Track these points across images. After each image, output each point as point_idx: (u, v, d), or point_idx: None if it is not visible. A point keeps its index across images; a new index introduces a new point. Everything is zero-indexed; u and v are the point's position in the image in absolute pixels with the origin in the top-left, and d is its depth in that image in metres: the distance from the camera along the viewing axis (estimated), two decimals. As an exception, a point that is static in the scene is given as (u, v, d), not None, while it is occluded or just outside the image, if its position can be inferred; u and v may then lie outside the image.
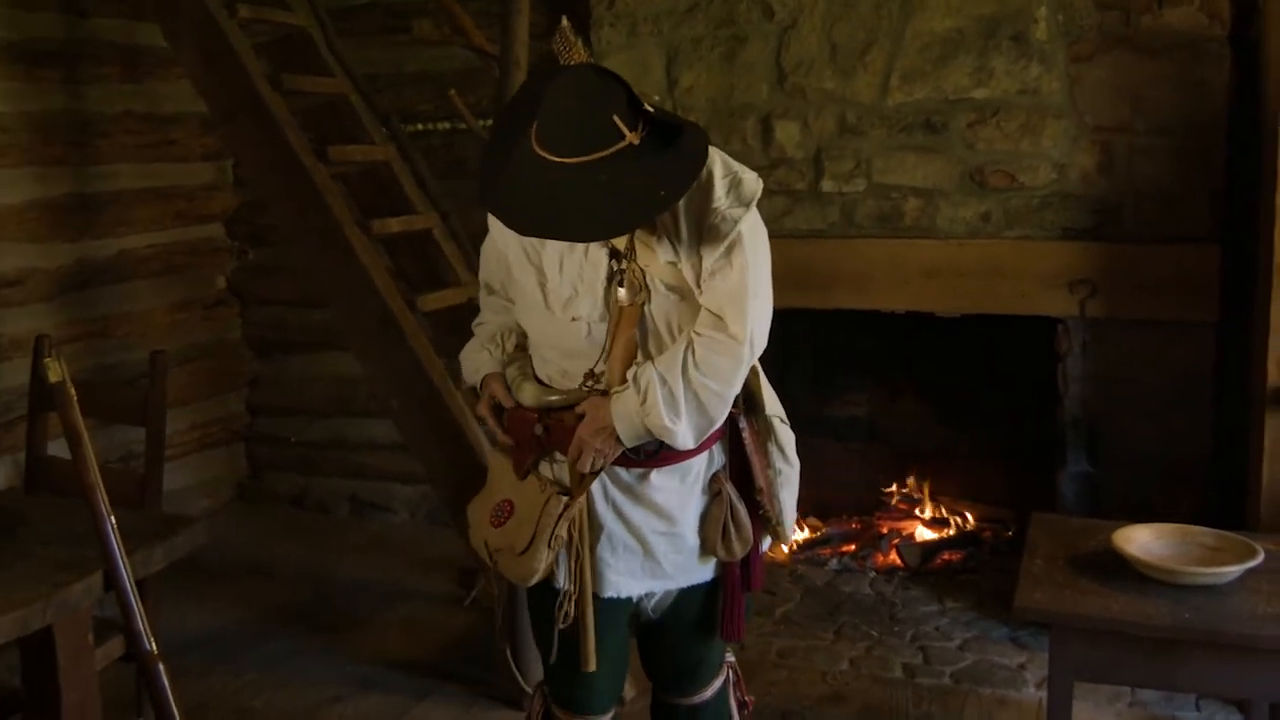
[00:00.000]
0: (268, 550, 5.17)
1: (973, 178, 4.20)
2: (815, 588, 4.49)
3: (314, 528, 5.52)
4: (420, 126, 5.17)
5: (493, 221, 2.39)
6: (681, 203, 2.13)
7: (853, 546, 4.75)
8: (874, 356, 4.92)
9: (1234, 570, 2.59)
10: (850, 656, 3.96)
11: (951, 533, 4.79)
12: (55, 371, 2.28)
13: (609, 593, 2.35)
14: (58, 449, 3.16)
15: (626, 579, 2.35)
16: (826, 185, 4.35)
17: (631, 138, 2.03)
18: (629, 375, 2.22)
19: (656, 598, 2.42)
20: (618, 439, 2.22)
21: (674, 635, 2.48)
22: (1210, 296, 3.94)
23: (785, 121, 4.39)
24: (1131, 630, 2.49)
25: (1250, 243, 3.78)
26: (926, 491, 4.92)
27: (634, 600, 2.40)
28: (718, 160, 2.19)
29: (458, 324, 4.34)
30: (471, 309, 4.17)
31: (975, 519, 4.85)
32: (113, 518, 2.27)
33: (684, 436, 2.20)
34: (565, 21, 2.15)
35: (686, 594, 2.41)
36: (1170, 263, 3.97)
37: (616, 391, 2.23)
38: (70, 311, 4.92)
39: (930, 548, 4.68)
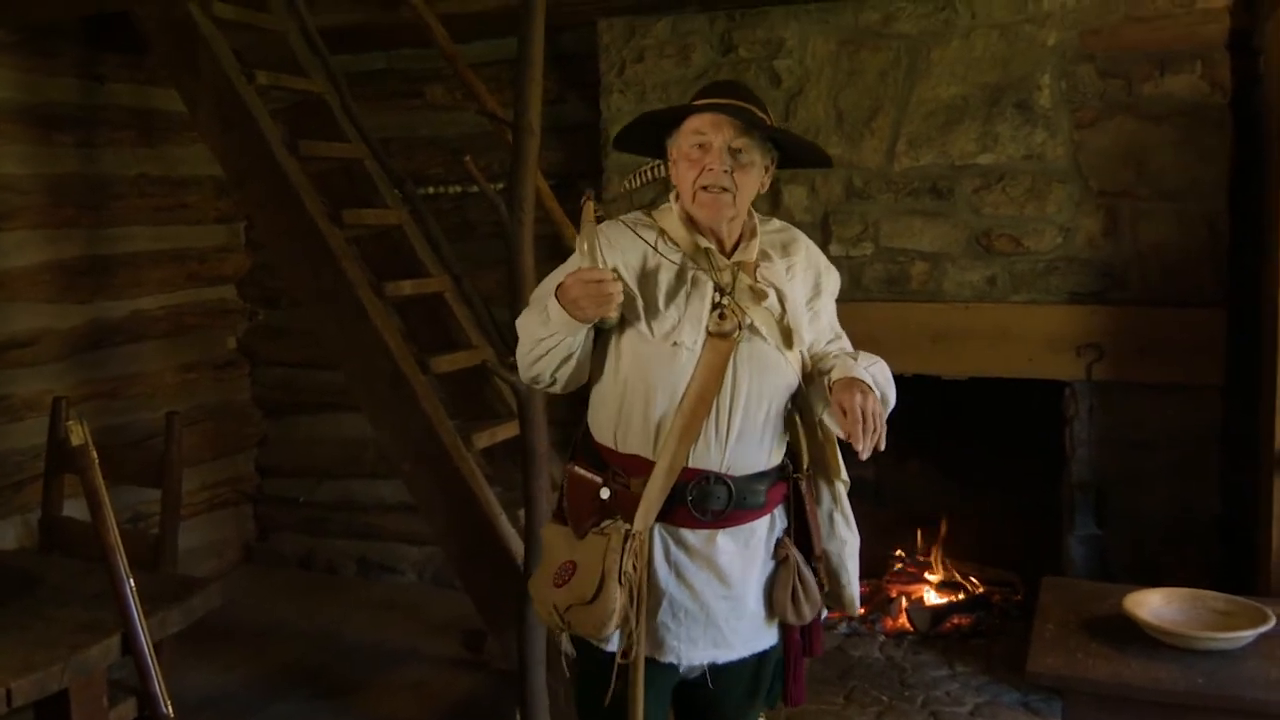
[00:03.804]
0: (275, 611, 5.16)
1: (979, 242, 4.24)
2: (825, 651, 4.45)
3: (321, 588, 5.51)
4: (431, 190, 5.23)
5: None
6: (798, 282, 2.36)
7: (862, 610, 4.72)
8: (880, 418, 4.91)
9: (1247, 635, 2.59)
10: (860, 721, 3.94)
11: (961, 596, 4.77)
12: (78, 434, 2.30)
13: (669, 658, 2.31)
14: (69, 509, 3.20)
15: (688, 646, 2.31)
16: (834, 249, 4.39)
17: (766, 119, 2.30)
18: (837, 365, 2.25)
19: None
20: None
21: (715, 695, 2.42)
22: (1216, 360, 3.97)
23: (793, 186, 4.44)
24: (1144, 695, 2.48)
25: (1256, 306, 3.81)
26: (936, 555, 4.91)
27: (679, 667, 2.35)
28: (818, 253, 2.47)
29: (470, 386, 4.39)
30: (482, 372, 4.25)
31: (983, 582, 4.83)
32: (132, 580, 2.28)
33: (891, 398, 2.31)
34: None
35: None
36: (1176, 326, 4.00)
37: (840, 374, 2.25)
38: (82, 372, 4.96)
39: (940, 611, 4.66)
